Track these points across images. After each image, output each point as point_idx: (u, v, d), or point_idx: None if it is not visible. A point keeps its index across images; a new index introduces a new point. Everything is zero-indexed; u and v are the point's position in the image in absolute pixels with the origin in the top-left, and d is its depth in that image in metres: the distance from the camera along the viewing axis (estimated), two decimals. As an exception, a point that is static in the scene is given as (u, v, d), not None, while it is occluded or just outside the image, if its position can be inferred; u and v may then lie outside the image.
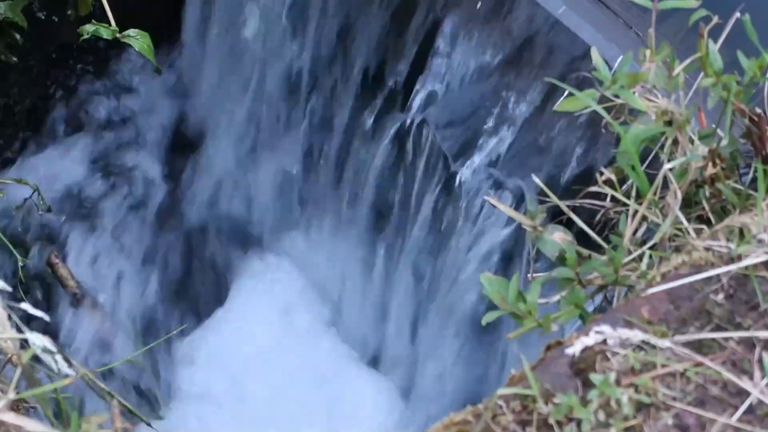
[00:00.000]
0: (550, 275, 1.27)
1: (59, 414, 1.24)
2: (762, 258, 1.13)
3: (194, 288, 2.70)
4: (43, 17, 2.40)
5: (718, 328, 1.09)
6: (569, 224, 1.32)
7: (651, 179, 1.29)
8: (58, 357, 1.21)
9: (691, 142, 1.31)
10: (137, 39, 1.90)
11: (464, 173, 2.10)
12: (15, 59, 2.35)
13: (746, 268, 1.13)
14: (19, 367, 1.15)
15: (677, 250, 1.22)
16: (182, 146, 2.69)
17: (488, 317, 1.20)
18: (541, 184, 1.37)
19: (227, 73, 2.53)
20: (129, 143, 2.63)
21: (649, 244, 1.25)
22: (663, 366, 1.05)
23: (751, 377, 1.05)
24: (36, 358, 1.20)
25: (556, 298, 1.27)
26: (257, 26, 2.41)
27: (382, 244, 2.43)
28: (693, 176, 1.29)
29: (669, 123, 1.31)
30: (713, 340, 1.08)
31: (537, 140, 2.02)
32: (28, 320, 1.28)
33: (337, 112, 2.39)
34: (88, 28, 1.90)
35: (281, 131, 2.55)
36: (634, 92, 1.32)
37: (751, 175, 1.29)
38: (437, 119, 2.16)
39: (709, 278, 1.13)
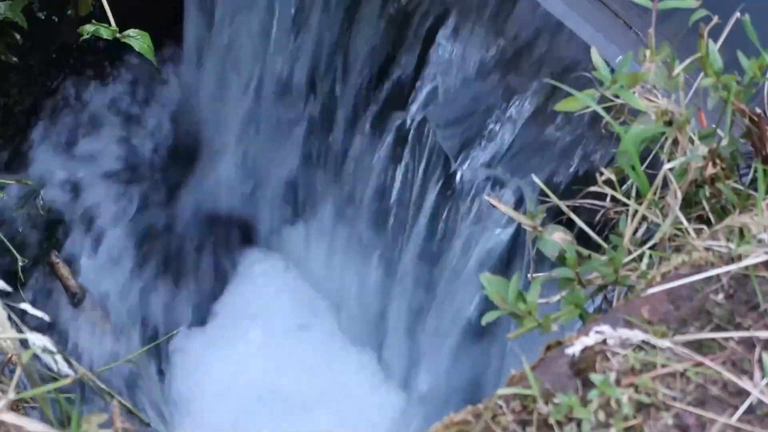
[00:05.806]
0: (550, 275, 1.27)
1: (59, 414, 1.24)
2: (762, 258, 1.13)
3: (194, 287, 2.70)
4: (43, 17, 2.40)
5: (718, 328, 1.09)
6: (569, 224, 1.32)
7: (651, 179, 1.29)
8: (58, 357, 1.21)
9: (691, 142, 1.31)
10: (137, 39, 1.90)
11: (464, 172, 2.10)
12: (15, 59, 2.35)
13: (746, 268, 1.13)
14: (19, 367, 1.15)
15: (677, 250, 1.22)
16: (183, 146, 2.70)
17: (488, 317, 1.20)
18: (541, 184, 1.37)
19: (228, 73, 2.53)
20: (129, 143, 2.63)
21: (649, 244, 1.25)
22: (663, 366, 1.05)
23: (751, 377, 1.05)
24: (36, 358, 1.20)
25: (556, 298, 1.27)
26: (257, 26, 2.41)
27: (382, 243, 2.42)
28: (693, 176, 1.29)
29: (669, 123, 1.31)
30: (713, 340, 1.08)
31: (537, 140, 2.02)
32: (28, 320, 1.29)
33: (338, 112, 2.39)
34: (88, 28, 1.90)
35: (281, 131, 2.55)
36: (634, 92, 1.32)
37: (751, 175, 1.29)
38: (437, 118, 2.16)
39: (709, 278, 1.13)
